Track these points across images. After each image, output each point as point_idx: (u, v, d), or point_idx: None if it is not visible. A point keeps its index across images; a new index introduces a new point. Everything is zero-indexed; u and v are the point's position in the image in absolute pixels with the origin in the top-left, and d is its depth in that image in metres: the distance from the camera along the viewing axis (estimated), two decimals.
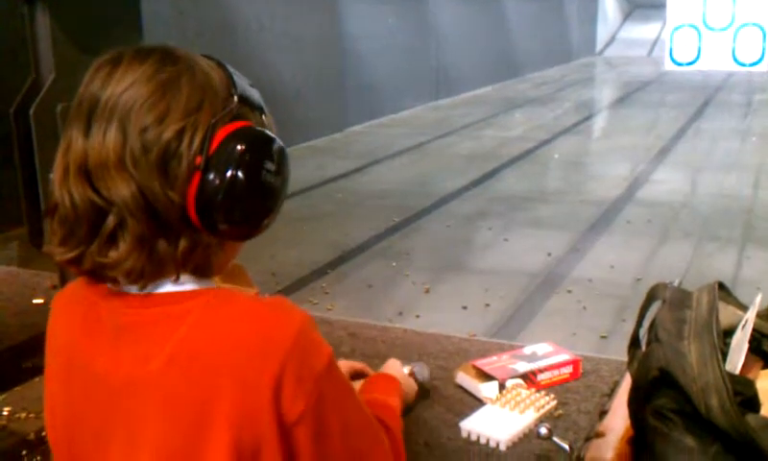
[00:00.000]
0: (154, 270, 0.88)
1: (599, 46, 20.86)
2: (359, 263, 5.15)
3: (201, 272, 0.92)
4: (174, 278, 0.90)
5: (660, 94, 13.38)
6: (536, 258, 5.10)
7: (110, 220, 0.86)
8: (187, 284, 0.91)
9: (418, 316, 4.19)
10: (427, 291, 4.59)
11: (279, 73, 8.22)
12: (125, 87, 0.87)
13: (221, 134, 0.88)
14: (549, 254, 5.18)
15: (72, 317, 0.97)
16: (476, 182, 7.25)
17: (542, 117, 11.05)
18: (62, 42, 1.63)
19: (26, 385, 2.37)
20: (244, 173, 0.88)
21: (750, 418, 1.01)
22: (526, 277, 4.80)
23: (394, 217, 6.08)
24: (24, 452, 2.36)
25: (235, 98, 0.91)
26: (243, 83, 0.95)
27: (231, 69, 0.95)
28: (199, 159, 0.87)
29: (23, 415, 2.69)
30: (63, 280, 1.89)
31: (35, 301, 2.31)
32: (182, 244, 0.88)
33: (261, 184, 0.90)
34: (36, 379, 2.34)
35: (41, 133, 1.66)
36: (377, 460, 1.01)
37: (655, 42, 19.82)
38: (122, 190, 0.85)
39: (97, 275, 0.90)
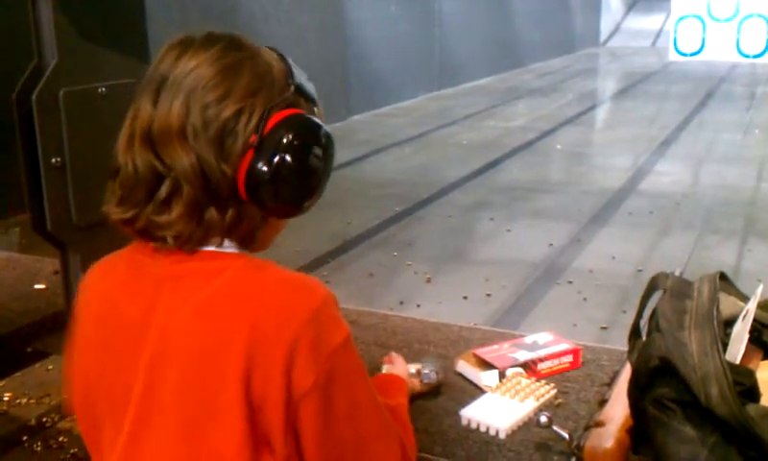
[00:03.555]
0: (201, 236, 0.95)
1: (603, 37, 20.77)
2: (361, 252, 5.15)
3: (244, 243, 0.99)
4: (218, 243, 0.96)
5: (664, 85, 13.33)
6: (537, 249, 5.10)
7: (167, 185, 0.93)
8: (229, 248, 0.97)
9: (419, 305, 4.19)
10: (429, 281, 4.60)
11: None
12: (192, 67, 0.95)
13: (275, 118, 0.96)
14: (551, 245, 5.18)
15: (112, 277, 1.03)
16: (478, 173, 7.23)
17: (545, 108, 11.02)
18: (65, 27, 1.62)
19: (27, 371, 2.38)
20: (293, 155, 0.95)
21: (750, 407, 1.01)
22: (527, 267, 4.80)
23: (395, 207, 6.08)
24: (25, 438, 2.37)
25: (292, 88, 0.99)
26: (301, 76, 1.02)
27: (291, 62, 1.02)
28: (253, 138, 0.94)
29: (24, 400, 2.69)
30: (65, 266, 1.89)
31: (36, 286, 2.31)
32: (230, 214, 0.95)
33: (308, 167, 0.98)
34: (37, 365, 2.35)
35: (43, 119, 1.65)
36: (384, 448, 1.01)
37: (659, 33, 19.73)
38: (183, 159, 0.92)
39: (148, 234, 0.97)
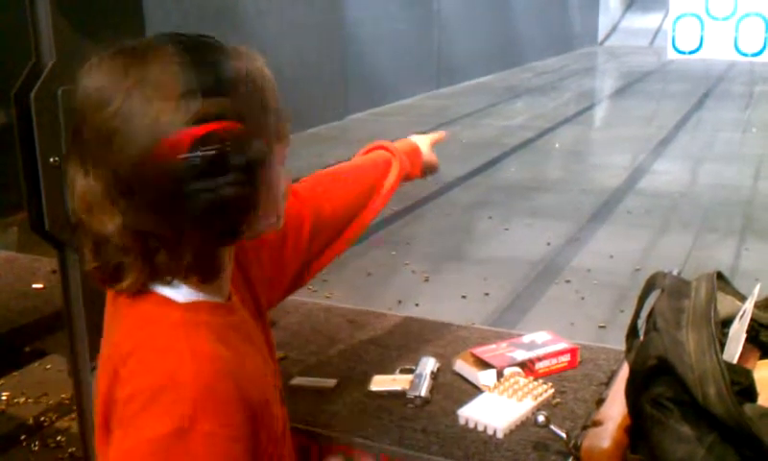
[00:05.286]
0: (151, 276, 0.93)
1: (601, 36, 20.79)
2: (359, 251, 5.15)
3: (206, 278, 0.96)
4: (169, 282, 0.95)
5: (662, 84, 13.34)
6: (535, 248, 5.10)
7: (111, 246, 0.92)
8: (182, 289, 0.95)
9: (417, 304, 4.19)
10: (427, 280, 4.60)
11: (279, 59, 8.18)
12: (103, 118, 0.88)
13: (183, 155, 0.86)
14: (549, 244, 5.18)
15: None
16: (477, 171, 7.24)
17: (543, 106, 11.02)
18: (63, 26, 1.62)
19: (25, 370, 2.37)
20: (212, 197, 0.88)
21: (747, 407, 1.01)
22: (526, 266, 4.80)
23: (393, 205, 6.07)
24: (23, 437, 2.36)
25: (198, 94, 0.87)
26: (201, 67, 0.89)
27: (192, 55, 0.89)
28: (171, 186, 0.87)
29: (22, 400, 2.69)
30: (63, 266, 1.88)
31: (34, 285, 2.30)
32: (186, 257, 0.92)
33: (227, 200, 0.89)
34: (35, 364, 2.34)
35: (42, 118, 1.65)
36: None
37: (656, 32, 19.73)
38: (108, 226, 0.90)
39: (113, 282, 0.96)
